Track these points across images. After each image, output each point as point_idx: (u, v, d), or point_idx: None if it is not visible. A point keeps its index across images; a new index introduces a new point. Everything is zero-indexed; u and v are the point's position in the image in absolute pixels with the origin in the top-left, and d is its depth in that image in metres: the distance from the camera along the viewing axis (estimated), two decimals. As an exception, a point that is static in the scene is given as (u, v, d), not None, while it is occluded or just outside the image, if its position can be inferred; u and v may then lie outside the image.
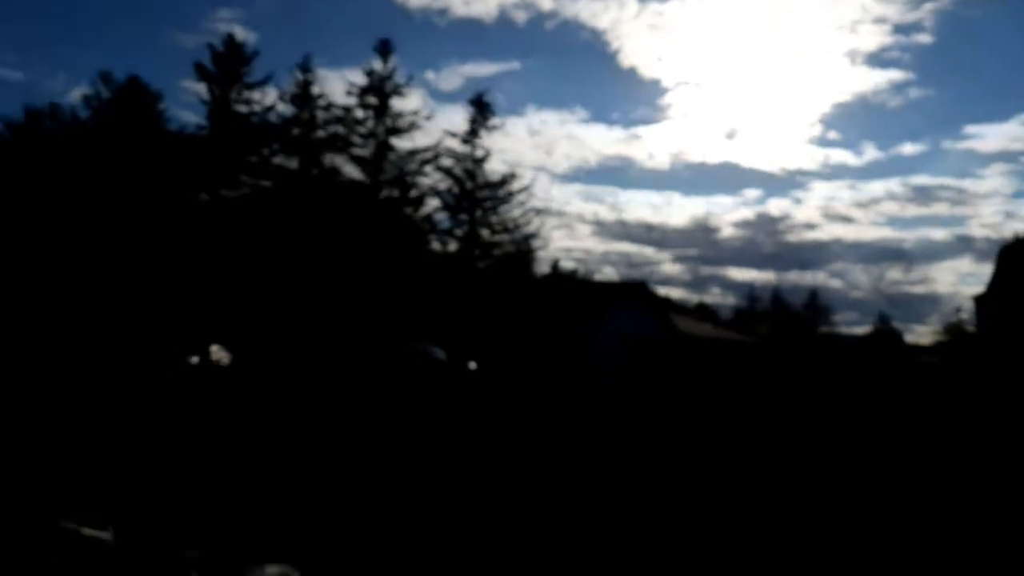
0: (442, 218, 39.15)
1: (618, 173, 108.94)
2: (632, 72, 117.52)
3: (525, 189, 38.51)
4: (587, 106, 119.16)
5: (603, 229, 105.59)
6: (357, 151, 37.05)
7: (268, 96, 37.69)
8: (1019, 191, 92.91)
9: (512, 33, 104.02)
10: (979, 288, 29.84)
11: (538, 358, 36.01)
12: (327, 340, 29.74)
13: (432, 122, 48.26)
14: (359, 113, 37.09)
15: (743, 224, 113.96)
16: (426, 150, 37.38)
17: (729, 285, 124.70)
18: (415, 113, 37.47)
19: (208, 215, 36.25)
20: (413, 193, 37.45)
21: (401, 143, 37.34)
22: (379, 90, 37.05)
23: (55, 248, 32.30)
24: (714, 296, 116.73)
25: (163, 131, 38.92)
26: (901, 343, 70.99)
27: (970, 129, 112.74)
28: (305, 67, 37.46)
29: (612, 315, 41.57)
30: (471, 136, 38.51)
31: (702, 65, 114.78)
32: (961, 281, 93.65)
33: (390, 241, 35.74)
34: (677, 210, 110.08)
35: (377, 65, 37.34)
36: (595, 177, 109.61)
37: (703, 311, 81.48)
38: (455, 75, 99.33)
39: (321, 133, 37.45)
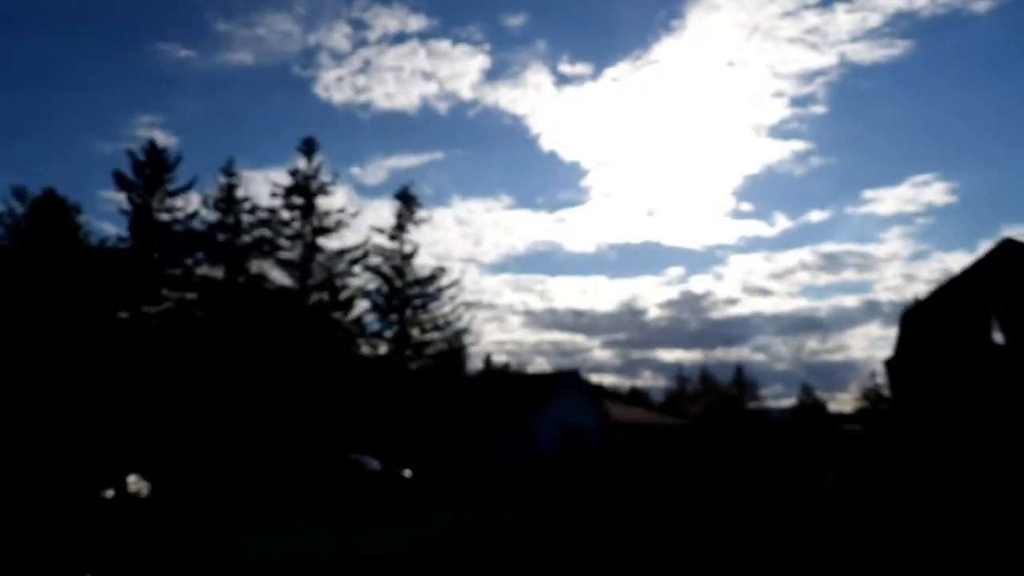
0: (372, 319, 39.03)
1: (545, 259, 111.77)
2: (553, 156, 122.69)
3: (455, 284, 38.98)
4: (512, 192, 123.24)
5: (533, 319, 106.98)
6: (284, 254, 36.92)
7: (191, 202, 37.60)
8: (916, 253, 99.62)
9: (434, 124, 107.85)
10: (888, 352, 31.56)
11: (477, 455, 35.61)
12: (257, 456, 28.76)
13: (359, 219, 49.14)
14: (285, 214, 37.20)
15: (668, 304, 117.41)
16: (354, 249, 37.50)
17: (659, 367, 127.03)
18: (341, 211, 37.71)
19: (128, 332, 35.21)
20: (342, 296, 37.29)
21: (329, 243, 37.43)
22: (304, 190, 37.26)
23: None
24: (645, 380, 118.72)
25: (81, 245, 38.06)
26: (825, 413, 73.43)
27: (868, 194, 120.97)
28: (229, 171, 37.63)
29: (549, 406, 41.87)
30: (398, 231, 38.87)
31: (619, 146, 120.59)
32: (873, 346, 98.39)
33: (319, 349, 35.34)
34: (604, 294, 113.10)
35: (302, 164, 37.70)
36: (523, 265, 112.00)
37: (636, 396, 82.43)
38: (380, 169, 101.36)
39: (247, 238, 37.28)
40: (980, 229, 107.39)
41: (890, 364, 29.64)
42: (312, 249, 36.71)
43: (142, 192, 37.73)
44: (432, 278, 38.44)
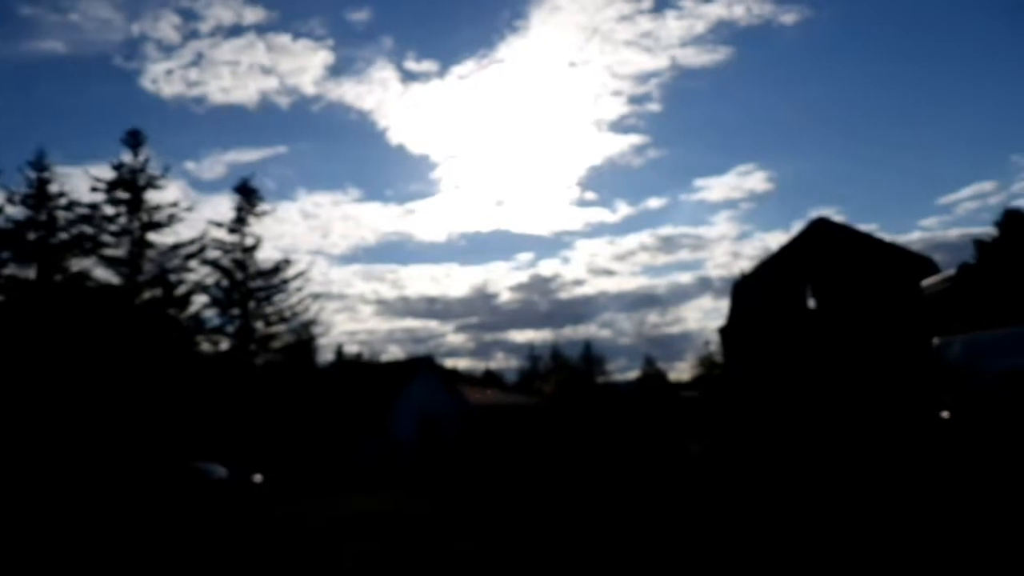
0: (212, 315, 36.84)
1: (396, 250, 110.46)
2: (402, 149, 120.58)
3: (301, 275, 37.49)
4: (360, 185, 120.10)
5: (386, 307, 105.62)
6: (109, 251, 34.00)
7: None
8: (741, 233, 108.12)
9: (276, 118, 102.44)
10: (720, 322, 34.10)
11: (334, 452, 34.74)
12: (90, 466, 26.46)
13: (197, 214, 46.12)
14: (109, 210, 34.17)
15: (519, 287, 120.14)
16: (190, 243, 35.18)
17: (511, 348, 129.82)
18: (174, 205, 35.16)
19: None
20: (177, 292, 34.92)
21: (160, 239, 34.83)
22: (131, 184, 34.38)
23: None
24: (499, 361, 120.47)
25: None
26: (666, 382, 78.23)
27: (699, 182, 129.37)
28: (40, 164, 34.01)
29: (405, 394, 41.56)
30: (239, 224, 36.78)
31: (468, 138, 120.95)
32: (705, 317, 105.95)
33: (151, 348, 32.92)
34: (456, 281, 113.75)
35: (127, 158, 34.84)
36: (374, 256, 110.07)
37: (490, 378, 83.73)
38: (218, 163, 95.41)
39: (63, 236, 33.98)
40: (794, 212, 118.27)
41: (723, 332, 32.05)
42: (141, 245, 33.97)
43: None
44: (276, 270, 36.75)
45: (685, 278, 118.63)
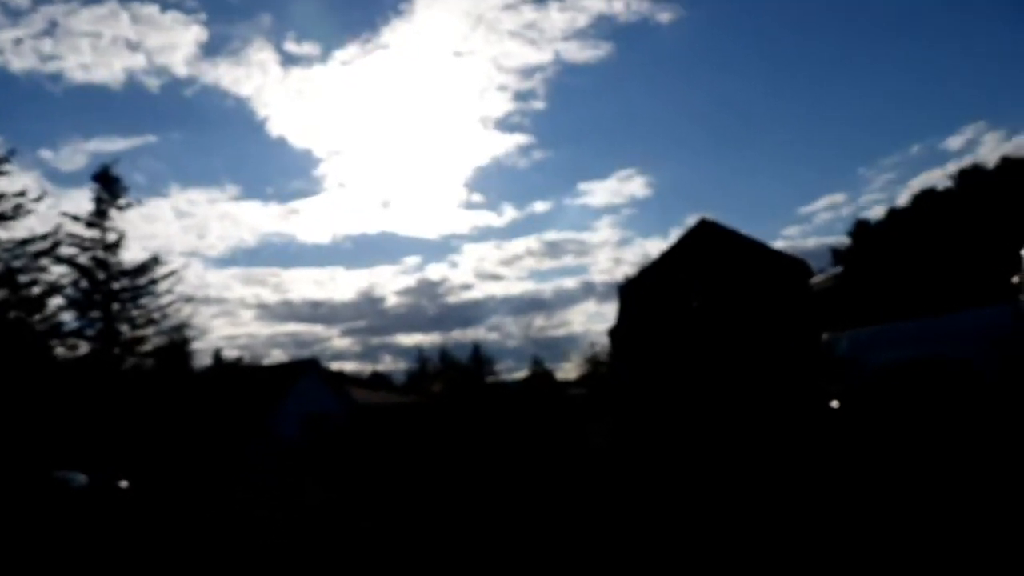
0: (69, 318, 33.56)
1: (278, 252, 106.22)
2: (283, 143, 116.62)
3: (172, 274, 34.71)
4: (239, 182, 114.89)
5: (267, 312, 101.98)
6: (-58, 247, 30.24)
7: None
8: (622, 239, 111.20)
9: (144, 102, 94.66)
10: (604, 325, 34.63)
11: (212, 455, 32.93)
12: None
13: (52, 208, 42.06)
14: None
15: (406, 291, 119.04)
16: (41, 238, 31.71)
17: (399, 351, 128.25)
18: (22, 194, 31.33)
19: None
20: (28, 292, 31.55)
21: (6, 233, 31.30)
22: (-35, 168, 30.72)
23: None
24: (386, 364, 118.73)
25: None
26: (553, 381, 79.34)
27: (583, 186, 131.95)
28: None
29: (289, 396, 40.09)
30: (98, 218, 33.53)
31: (352, 132, 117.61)
32: (590, 320, 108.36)
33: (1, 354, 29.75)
34: (342, 284, 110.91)
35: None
36: (254, 258, 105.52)
37: (378, 379, 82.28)
38: (79, 153, 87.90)
39: None
40: (671, 219, 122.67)
41: (612, 333, 32.51)
42: (-18, 240, 30.45)
43: None
44: (143, 269, 33.80)
45: (570, 283, 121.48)
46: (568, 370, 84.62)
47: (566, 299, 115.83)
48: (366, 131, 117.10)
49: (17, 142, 70.51)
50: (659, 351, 26.65)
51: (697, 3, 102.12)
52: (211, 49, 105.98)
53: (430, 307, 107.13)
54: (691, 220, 37.95)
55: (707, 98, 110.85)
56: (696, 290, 27.09)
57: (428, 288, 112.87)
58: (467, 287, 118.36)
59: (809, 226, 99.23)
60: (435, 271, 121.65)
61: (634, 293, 31.29)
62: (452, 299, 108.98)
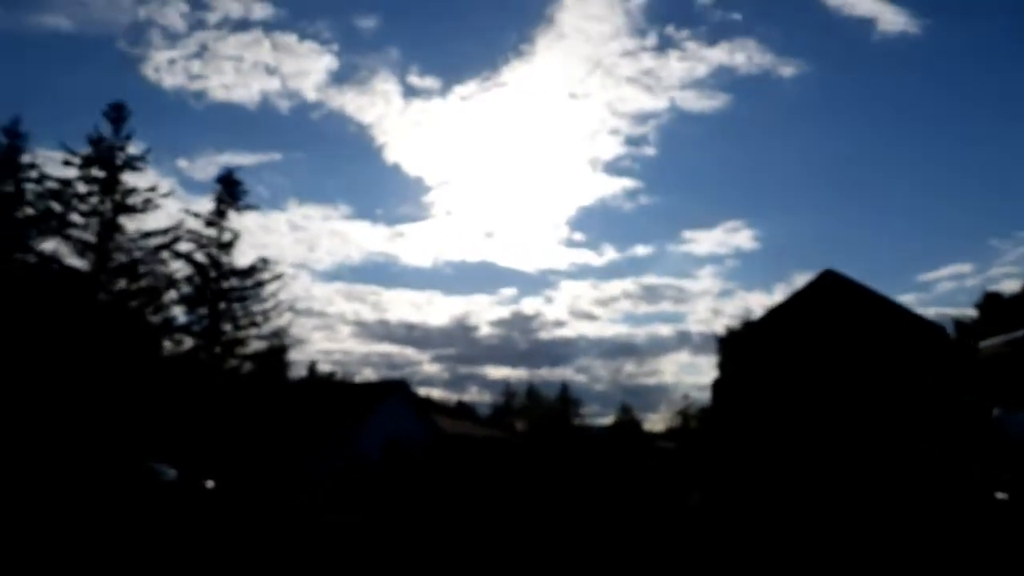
0: (179, 312, 34.40)
1: (381, 271, 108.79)
2: (397, 168, 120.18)
3: (278, 278, 35.09)
4: (352, 202, 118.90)
5: (364, 329, 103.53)
6: (77, 233, 31.59)
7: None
8: (724, 291, 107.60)
9: (274, 122, 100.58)
10: (697, 377, 32.55)
11: (295, 465, 32.84)
12: (34, 460, 24.38)
13: (177, 208, 43.73)
14: (81, 188, 31.86)
15: (499, 323, 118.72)
16: (164, 232, 32.84)
17: (486, 383, 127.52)
18: (152, 190, 32.67)
19: None
20: (145, 283, 32.56)
21: (133, 224, 32.44)
22: (108, 162, 32.03)
23: None
24: (472, 395, 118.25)
25: None
26: (641, 430, 76.48)
27: (687, 234, 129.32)
28: (13, 131, 31.86)
29: (375, 415, 39.78)
30: (217, 217, 34.37)
31: (464, 164, 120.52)
32: (682, 371, 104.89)
33: (114, 341, 30.70)
34: (438, 309, 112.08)
35: (107, 132, 32.46)
36: (358, 275, 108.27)
37: (462, 409, 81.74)
38: (212, 164, 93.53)
39: (30, 210, 31.74)
40: (777, 274, 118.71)
41: (716, 387, 30.42)
42: (111, 228, 31.63)
43: None
44: (252, 270, 34.34)
45: (665, 330, 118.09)
46: (656, 421, 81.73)
47: (659, 346, 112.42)
48: (477, 163, 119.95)
49: (158, 150, 75.14)
50: (772, 411, 24.43)
51: (822, 58, 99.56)
52: (340, 77, 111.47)
53: (521, 341, 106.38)
54: (799, 277, 35.53)
55: (826, 155, 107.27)
56: (818, 348, 24.76)
57: (521, 322, 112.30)
58: (560, 324, 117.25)
59: (929, 295, 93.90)
60: (530, 305, 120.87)
61: (743, 346, 29.20)
62: (544, 335, 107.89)
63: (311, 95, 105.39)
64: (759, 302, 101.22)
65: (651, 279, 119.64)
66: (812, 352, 24.33)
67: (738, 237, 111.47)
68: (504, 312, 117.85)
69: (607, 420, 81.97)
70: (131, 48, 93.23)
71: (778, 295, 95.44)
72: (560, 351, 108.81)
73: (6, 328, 28.36)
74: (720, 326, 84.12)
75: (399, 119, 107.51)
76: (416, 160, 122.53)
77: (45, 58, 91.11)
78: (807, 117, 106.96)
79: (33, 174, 32.09)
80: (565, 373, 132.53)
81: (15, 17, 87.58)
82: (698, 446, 49.50)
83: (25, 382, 27.53)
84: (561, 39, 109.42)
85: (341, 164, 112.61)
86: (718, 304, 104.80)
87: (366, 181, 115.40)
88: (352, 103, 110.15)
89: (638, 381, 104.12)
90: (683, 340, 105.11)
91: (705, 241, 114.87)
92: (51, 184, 31.73)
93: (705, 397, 73.53)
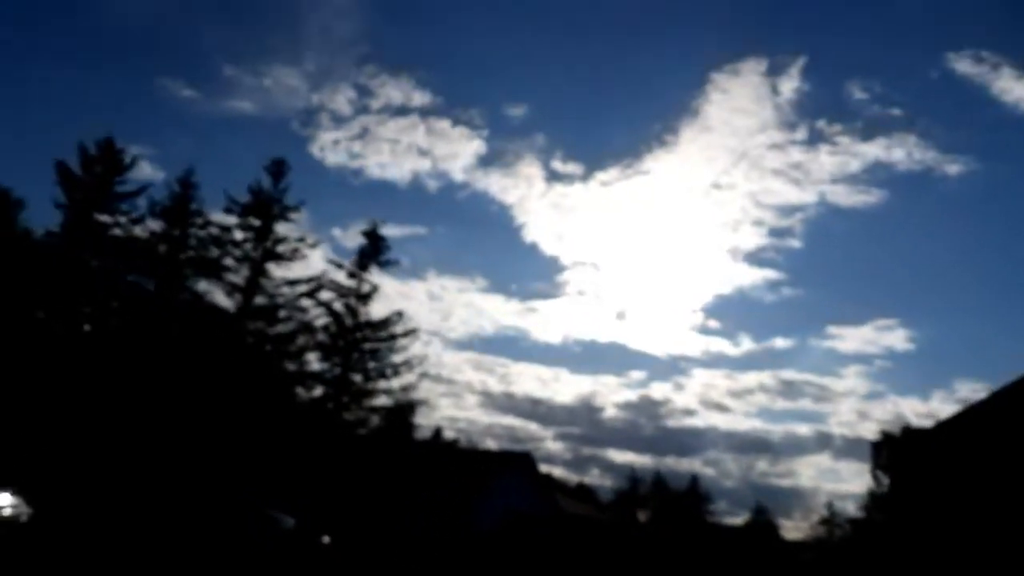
0: (313, 360, 34.93)
1: (511, 344, 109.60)
2: (534, 247, 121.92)
3: (412, 332, 34.91)
4: (487, 276, 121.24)
5: (490, 400, 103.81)
6: (229, 276, 33.11)
7: (139, 208, 34.05)
8: (872, 392, 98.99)
9: (422, 199, 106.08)
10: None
11: (409, 528, 31.93)
12: (159, 495, 24.73)
13: (323, 263, 45.13)
14: (238, 235, 33.54)
15: (626, 406, 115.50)
16: (307, 280, 33.79)
17: (608, 466, 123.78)
18: (301, 240, 34.03)
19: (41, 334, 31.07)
20: (285, 328, 33.45)
21: (280, 271, 33.73)
22: (265, 210, 33.66)
23: None
24: (593, 477, 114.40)
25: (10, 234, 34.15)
26: (777, 536, 70.07)
27: (832, 329, 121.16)
28: (186, 181, 34.23)
29: (496, 486, 38.56)
30: (360, 268, 34.90)
31: (599, 248, 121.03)
32: (821, 475, 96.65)
33: (250, 383, 31.45)
34: (564, 386, 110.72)
35: (266, 184, 34.25)
36: (489, 346, 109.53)
37: (583, 491, 78.79)
38: (358, 246, 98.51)
39: (190, 253, 33.65)
40: (934, 380, 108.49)
41: (887, 502, 26.77)
42: (259, 273, 32.95)
43: (86, 188, 34.14)
44: (387, 323, 34.47)
45: (803, 429, 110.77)
46: (788, 528, 74.75)
47: (796, 446, 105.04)
48: (613, 246, 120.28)
49: (316, 219, 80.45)
50: (964, 532, 20.69)
51: (992, 157, 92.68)
52: (487, 160, 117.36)
53: (648, 427, 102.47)
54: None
55: (993, 256, 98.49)
56: (1015, 456, 20.92)
57: (649, 407, 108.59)
58: (690, 413, 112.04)
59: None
60: (659, 390, 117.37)
61: (926, 452, 25.41)
62: (672, 423, 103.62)
63: (458, 176, 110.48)
64: (914, 408, 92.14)
65: (790, 374, 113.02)
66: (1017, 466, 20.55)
67: (890, 337, 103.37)
68: (632, 395, 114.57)
69: (738, 519, 76.27)
70: (302, 129, 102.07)
71: (937, 402, 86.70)
72: (688, 441, 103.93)
73: (160, 359, 29.71)
74: (868, 430, 76.98)
75: (540, 201, 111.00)
76: (553, 240, 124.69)
77: (229, 135, 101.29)
78: (973, 216, 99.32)
79: (198, 220, 34.19)
80: (692, 464, 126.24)
81: (212, 101, 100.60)
82: (846, 561, 44.50)
83: (168, 414, 28.44)
84: (706, 131, 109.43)
85: (481, 240, 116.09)
86: (865, 406, 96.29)
87: (503, 257, 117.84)
88: (496, 184, 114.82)
89: (771, 481, 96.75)
90: (823, 442, 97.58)
91: (852, 338, 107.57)
92: (212, 230, 33.67)
93: (851, 507, 66.89)
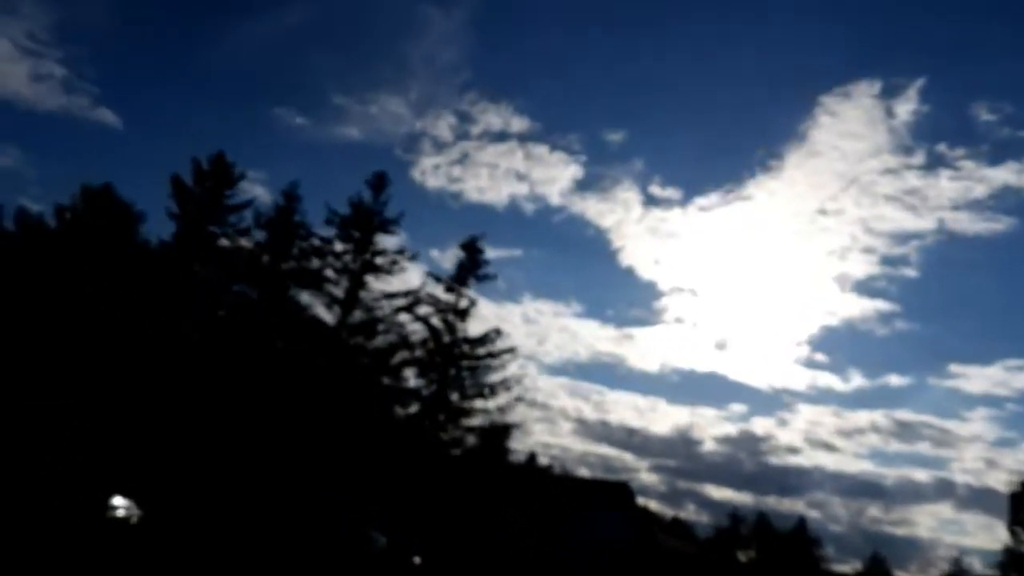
0: (410, 376, 34.39)
1: (607, 371, 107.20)
2: (630, 273, 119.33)
3: (511, 351, 33.76)
4: (583, 301, 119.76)
5: (585, 428, 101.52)
6: (329, 288, 33.16)
7: (246, 220, 34.90)
8: (1002, 439, 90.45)
9: (519, 223, 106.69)
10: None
11: (501, 552, 30.78)
12: (259, 503, 24.64)
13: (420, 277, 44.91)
14: (338, 247, 33.58)
15: (725, 440, 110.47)
16: (405, 294, 33.36)
17: (704, 502, 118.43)
18: (400, 252, 33.71)
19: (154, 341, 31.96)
20: (380, 342, 33.13)
21: (378, 284, 33.45)
22: (365, 223, 33.57)
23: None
24: (688, 512, 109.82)
25: (125, 244, 35.64)
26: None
27: (955, 368, 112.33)
28: (291, 194, 34.74)
29: (591, 516, 37.00)
30: (457, 283, 34.15)
31: (698, 274, 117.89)
32: (941, 527, 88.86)
33: (349, 396, 31.24)
34: (661, 417, 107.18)
35: (367, 197, 34.23)
36: (584, 372, 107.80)
37: (678, 526, 75.54)
38: (458, 256, 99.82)
39: (292, 264, 33.98)
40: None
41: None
42: (358, 285, 32.80)
43: (197, 201, 35.30)
44: (485, 339, 33.39)
45: (921, 475, 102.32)
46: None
47: (912, 493, 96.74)
48: (713, 273, 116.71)
49: (415, 242, 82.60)
50: None
51: None
52: (584, 185, 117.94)
53: (748, 463, 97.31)
54: None
55: None
56: None
57: (750, 442, 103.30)
58: (794, 451, 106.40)
59: None
60: (761, 425, 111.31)
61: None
62: (774, 460, 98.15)
63: (555, 200, 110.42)
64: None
65: (906, 415, 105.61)
66: None
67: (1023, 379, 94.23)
68: (731, 429, 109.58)
69: (847, 567, 70.96)
70: (404, 154, 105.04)
71: None
72: (792, 480, 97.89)
73: (263, 371, 29.92)
74: (997, 480, 70.12)
75: (637, 225, 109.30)
76: (650, 266, 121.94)
77: (335, 160, 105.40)
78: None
79: (301, 232, 34.58)
80: (795, 505, 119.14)
81: (321, 128, 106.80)
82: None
83: (269, 424, 28.50)
84: (813, 155, 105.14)
85: (577, 264, 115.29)
86: (994, 454, 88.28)
87: (599, 282, 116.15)
88: (593, 208, 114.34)
89: (883, 529, 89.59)
90: (944, 490, 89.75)
91: (978, 378, 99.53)
92: (314, 241, 33.93)
93: (978, 563, 60.83)
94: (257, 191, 53.50)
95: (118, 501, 21.51)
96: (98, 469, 24.05)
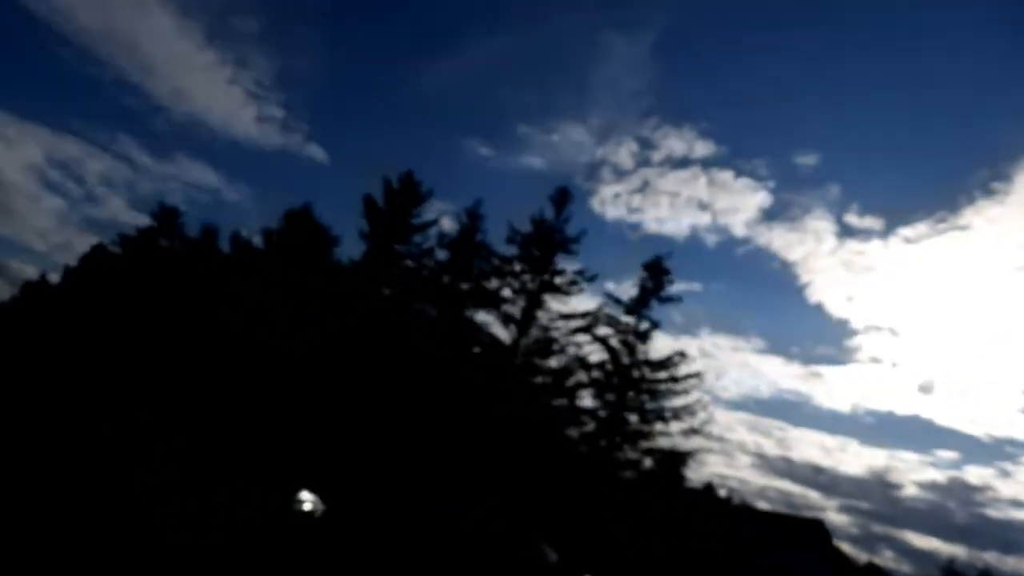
0: (586, 396, 33.52)
1: (790, 408, 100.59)
2: (819, 308, 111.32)
3: (696, 375, 32.05)
4: (765, 336, 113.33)
5: (765, 463, 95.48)
6: (506, 307, 33.16)
7: (429, 239, 35.91)
8: None
9: (699, 255, 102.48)
10: None
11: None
12: (434, 511, 24.91)
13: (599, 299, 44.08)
14: (517, 266, 33.50)
15: (931, 486, 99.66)
16: (583, 315, 32.56)
17: (904, 550, 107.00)
18: (580, 273, 33.00)
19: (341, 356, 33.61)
20: (555, 362, 32.54)
21: (556, 304, 33.00)
22: (546, 241, 33.21)
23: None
24: (885, 559, 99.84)
25: (322, 262, 37.87)
26: None
27: None
28: (474, 213, 35.26)
29: (779, 550, 34.12)
30: (639, 305, 32.71)
31: (899, 312, 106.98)
32: None
33: (529, 417, 31.04)
34: (852, 457, 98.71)
35: (549, 215, 33.90)
36: (764, 408, 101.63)
37: (875, 572, 68.57)
38: (635, 288, 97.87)
39: (471, 284, 34.35)
40: None
41: None
42: (535, 305, 32.46)
43: (387, 220, 36.70)
44: (667, 363, 31.75)
45: None
46: None
47: None
48: (918, 311, 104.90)
49: (592, 271, 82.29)
50: None
51: None
52: (771, 214, 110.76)
53: (959, 513, 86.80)
54: None
55: None
56: None
57: (963, 491, 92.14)
58: (1018, 504, 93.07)
59: None
60: (976, 474, 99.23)
61: None
62: (993, 512, 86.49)
63: (739, 230, 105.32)
64: None
65: None
66: None
67: None
68: (939, 476, 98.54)
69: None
70: (585, 183, 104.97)
71: None
72: (1016, 536, 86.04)
73: (442, 387, 30.44)
74: None
75: (829, 258, 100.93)
76: (843, 302, 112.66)
77: (518, 189, 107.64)
78: None
79: (482, 252, 34.92)
80: (1019, 564, 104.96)
81: (505, 157, 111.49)
82: None
83: (446, 434, 28.90)
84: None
85: (759, 299, 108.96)
86: None
87: (784, 318, 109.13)
88: (780, 239, 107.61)
89: None
90: None
91: None
92: (494, 260, 34.08)
93: None
94: (442, 222, 55.43)
95: (304, 495, 22.39)
96: (289, 466, 25.57)
